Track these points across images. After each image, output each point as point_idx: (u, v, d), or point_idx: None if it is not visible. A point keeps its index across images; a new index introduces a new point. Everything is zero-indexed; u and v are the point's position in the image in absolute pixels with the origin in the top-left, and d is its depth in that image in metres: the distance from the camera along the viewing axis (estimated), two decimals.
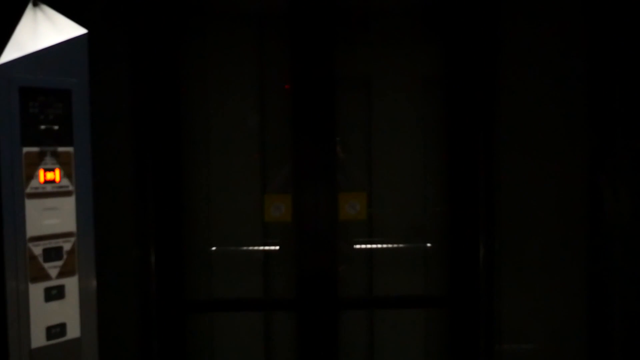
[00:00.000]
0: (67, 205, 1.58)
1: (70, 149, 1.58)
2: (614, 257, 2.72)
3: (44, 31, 1.57)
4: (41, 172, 1.53)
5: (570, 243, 2.73)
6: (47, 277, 1.55)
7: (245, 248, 2.84)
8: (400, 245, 2.84)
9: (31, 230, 1.51)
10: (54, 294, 1.56)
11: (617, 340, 2.74)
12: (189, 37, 2.75)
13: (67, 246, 1.58)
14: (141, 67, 2.65)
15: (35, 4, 1.57)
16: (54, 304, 1.56)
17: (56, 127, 1.55)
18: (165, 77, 2.71)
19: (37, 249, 1.53)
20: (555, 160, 2.72)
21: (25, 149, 1.50)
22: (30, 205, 1.51)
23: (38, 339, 1.53)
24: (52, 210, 1.55)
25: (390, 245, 2.84)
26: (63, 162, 1.57)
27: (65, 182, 1.57)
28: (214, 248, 2.83)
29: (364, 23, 2.79)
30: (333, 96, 2.72)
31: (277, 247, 2.83)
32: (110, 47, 2.53)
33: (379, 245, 2.83)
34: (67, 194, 1.58)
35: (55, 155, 1.55)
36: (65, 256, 1.58)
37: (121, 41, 2.59)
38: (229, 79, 2.79)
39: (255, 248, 2.84)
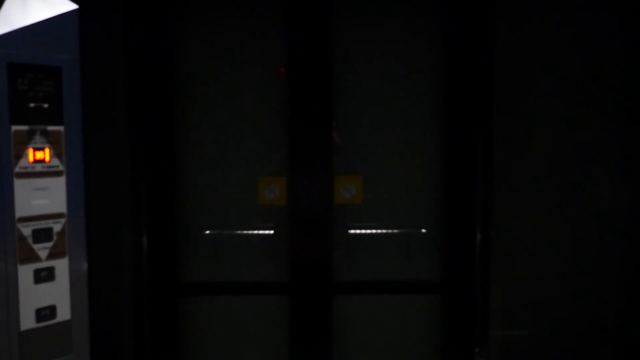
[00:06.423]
0: (57, 186, 1.55)
1: (60, 128, 1.54)
2: (610, 245, 2.73)
3: (33, 6, 1.53)
4: (30, 152, 1.49)
5: (567, 231, 2.73)
6: (36, 258, 1.52)
7: (239, 232, 2.81)
8: (396, 231, 2.82)
9: (20, 211, 1.48)
10: (44, 275, 1.53)
11: (612, 326, 2.75)
12: (184, 15, 2.70)
13: (57, 227, 1.55)
14: (135, 45, 2.61)
15: None
16: (44, 286, 1.53)
17: (46, 105, 1.51)
18: (160, 56, 2.67)
19: (27, 230, 1.50)
20: (553, 148, 2.71)
21: (14, 127, 1.46)
22: (19, 185, 1.48)
23: (27, 321, 1.51)
24: (41, 190, 1.52)
25: (385, 231, 2.82)
26: (53, 142, 1.53)
27: (55, 161, 1.54)
28: (207, 231, 2.81)
29: (362, 3, 2.75)
30: (330, 78, 2.68)
31: (272, 231, 2.81)
32: (103, 23, 2.48)
33: (374, 230, 2.82)
34: (57, 174, 1.55)
35: (45, 134, 1.52)
36: (55, 237, 1.55)
37: (115, 17, 2.54)
38: (224, 60, 2.74)
39: (249, 232, 2.82)
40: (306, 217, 2.72)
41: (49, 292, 1.54)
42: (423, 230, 2.82)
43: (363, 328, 2.85)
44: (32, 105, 1.48)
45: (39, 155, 1.51)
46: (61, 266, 1.56)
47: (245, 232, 2.82)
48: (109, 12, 2.52)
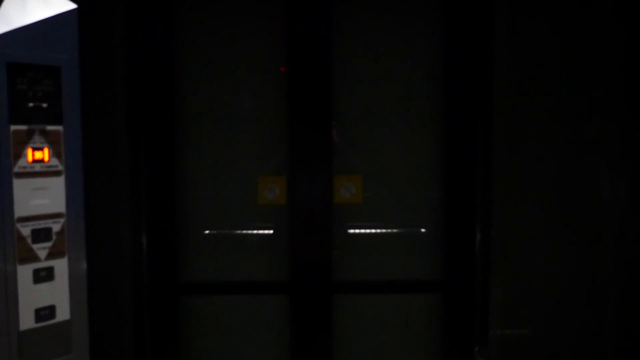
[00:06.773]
0: (57, 186, 1.54)
1: (59, 128, 1.54)
2: (610, 243, 2.72)
3: (32, 5, 1.52)
4: (29, 151, 1.49)
5: (567, 230, 2.72)
6: (36, 258, 1.51)
7: (238, 231, 2.81)
8: (396, 230, 2.82)
9: (19, 211, 1.48)
10: (43, 275, 1.53)
11: (612, 326, 2.74)
12: (184, 15, 2.70)
13: (56, 227, 1.55)
14: (135, 44, 2.61)
15: None
16: (43, 286, 1.53)
17: (45, 105, 1.50)
18: (160, 56, 2.67)
19: (26, 230, 1.49)
20: (553, 147, 2.70)
21: (13, 127, 1.46)
22: (18, 185, 1.47)
23: (27, 321, 1.50)
24: (41, 190, 1.51)
25: (385, 230, 2.82)
26: (52, 141, 1.53)
27: (55, 161, 1.54)
28: (207, 231, 2.80)
29: (363, 2, 2.75)
30: (330, 78, 2.68)
31: (271, 230, 2.81)
32: (103, 23, 2.48)
33: (374, 230, 2.82)
34: (56, 173, 1.54)
35: (44, 133, 1.51)
36: (54, 237, 1.54)
37: (114, 16, 2.54)
38: (224, 60, 2.74)
39: (249, 231, 2.82)
40: (306, 217, 2.72)
41: (48, 292, 1.54)
42: (423, 230, 2.82)
43: (363, 327, 2.85)
44: (31, 104, 1.48)
45: (38, 155, 1.50)
46: (60, 266, 1.56)
47: (245, 231, 2.82)
48: (108, 12, 2.52)
